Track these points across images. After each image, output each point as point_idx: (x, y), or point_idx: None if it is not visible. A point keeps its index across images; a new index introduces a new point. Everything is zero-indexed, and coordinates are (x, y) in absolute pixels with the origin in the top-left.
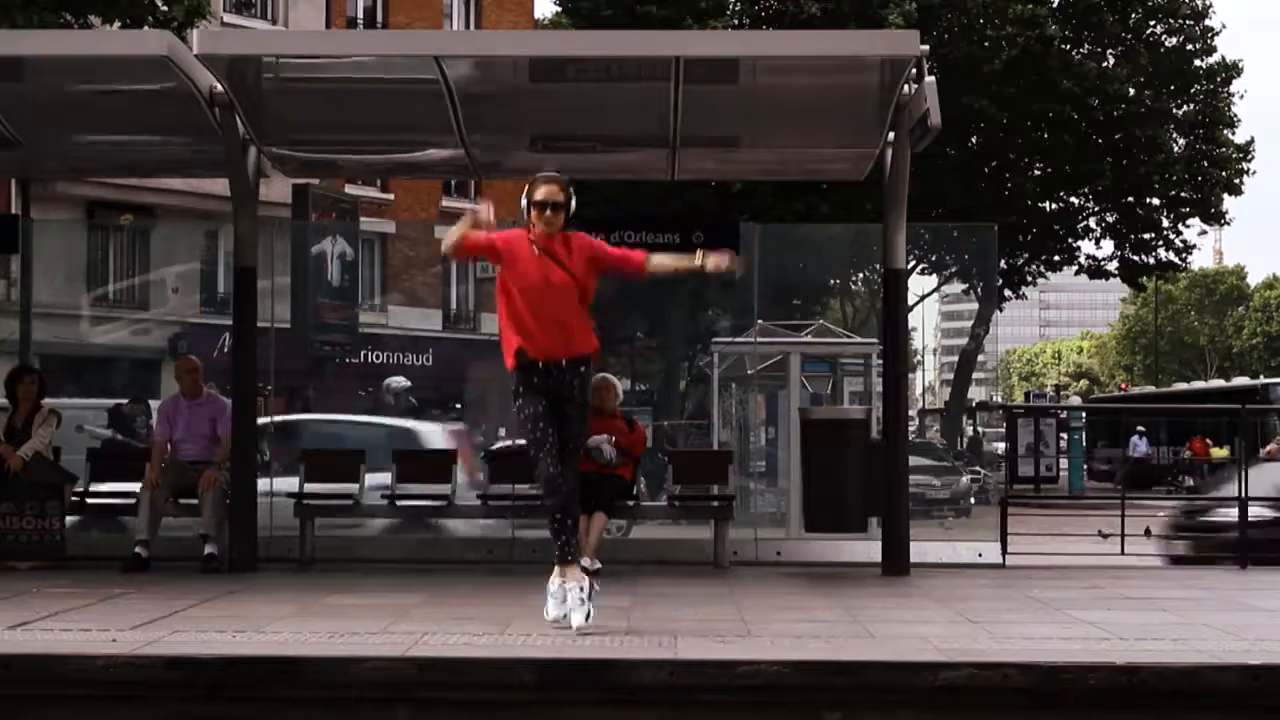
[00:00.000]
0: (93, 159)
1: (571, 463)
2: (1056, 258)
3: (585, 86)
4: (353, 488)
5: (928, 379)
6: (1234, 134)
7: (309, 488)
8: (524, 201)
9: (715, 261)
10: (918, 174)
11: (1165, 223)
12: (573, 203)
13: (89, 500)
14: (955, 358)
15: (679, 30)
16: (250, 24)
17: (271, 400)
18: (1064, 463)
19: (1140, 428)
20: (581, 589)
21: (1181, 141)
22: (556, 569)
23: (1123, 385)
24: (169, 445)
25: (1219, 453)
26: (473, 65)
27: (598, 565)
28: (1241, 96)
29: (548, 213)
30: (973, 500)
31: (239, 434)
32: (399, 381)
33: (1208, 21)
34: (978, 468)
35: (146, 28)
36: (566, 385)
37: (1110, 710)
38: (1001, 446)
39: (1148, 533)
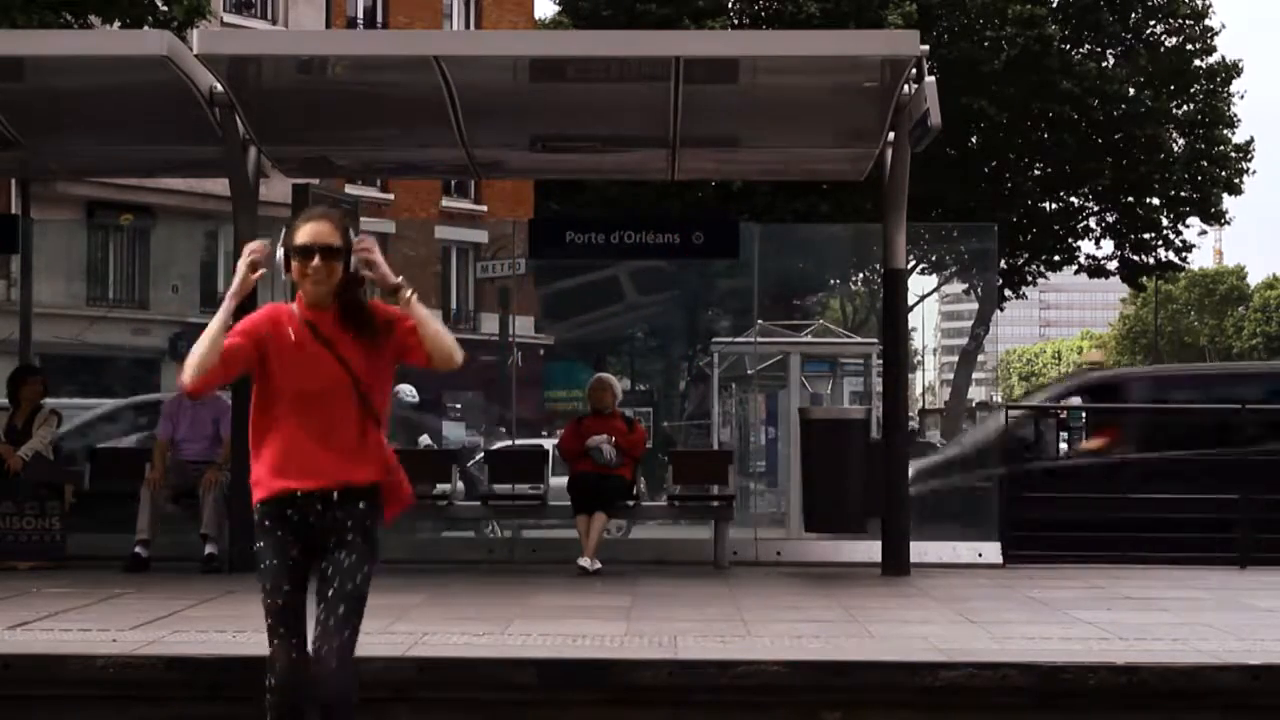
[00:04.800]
0: (93, 159)
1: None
2: (1056, 258)
3: (585, 86)
4: None
5: (928, 379)
6: (1234, 134)
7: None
8: (280, 253)
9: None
10: (917, 174)
11: (1165, 222)
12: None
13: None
14: (955, 358)
15: (679, 30)
16: (250, 24)
17: None
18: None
19: None
20: None
21: (1181, 141)
22: None
23: None
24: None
25: None
26: (473, 65)
27: (598, 565)
28: (1241, 96)
29: (316, 261)
30: None
31: (239, 434)
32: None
33: (1208, 21)
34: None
35: (146, 28)
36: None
37: (1110, 710)
38: None
39: None
